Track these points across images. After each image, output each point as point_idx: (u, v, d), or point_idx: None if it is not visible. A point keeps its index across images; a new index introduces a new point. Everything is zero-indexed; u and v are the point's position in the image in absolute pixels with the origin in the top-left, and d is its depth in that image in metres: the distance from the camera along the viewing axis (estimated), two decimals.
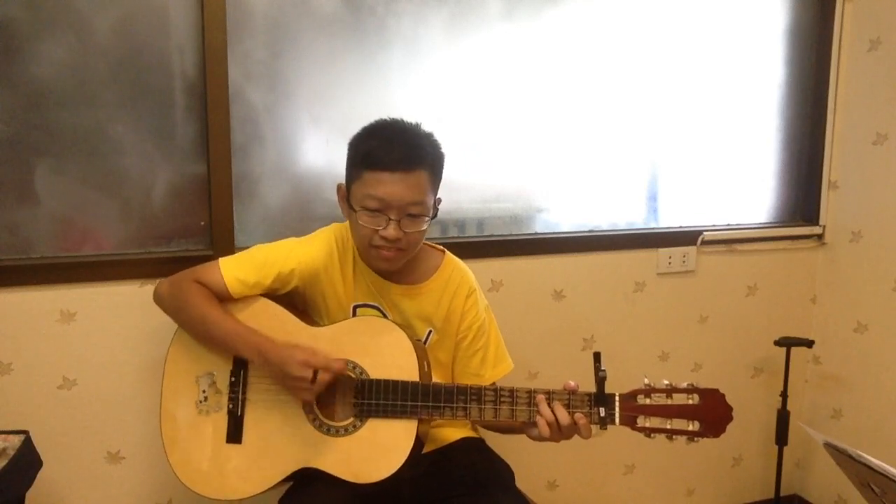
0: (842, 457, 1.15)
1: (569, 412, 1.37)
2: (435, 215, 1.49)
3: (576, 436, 1.39)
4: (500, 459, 1.63)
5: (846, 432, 2.44)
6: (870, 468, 1.08)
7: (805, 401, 2.58)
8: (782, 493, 2.42)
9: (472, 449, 1.63)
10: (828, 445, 1.17)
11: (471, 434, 1.67)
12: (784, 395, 2.30)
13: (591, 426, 1.38)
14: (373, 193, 1.40)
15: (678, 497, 2.50)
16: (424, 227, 1.47)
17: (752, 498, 2.59)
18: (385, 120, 1.49)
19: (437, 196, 1.50)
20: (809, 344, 2.30)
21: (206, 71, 1.77)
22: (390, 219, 1.41)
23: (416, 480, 1.48)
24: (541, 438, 1.39)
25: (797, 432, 2.41)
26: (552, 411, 1.37)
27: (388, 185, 1.40)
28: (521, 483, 1.62)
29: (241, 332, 1.45)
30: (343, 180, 1.51)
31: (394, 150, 1.40)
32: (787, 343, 2.30)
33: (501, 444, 1.68)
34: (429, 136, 1.48)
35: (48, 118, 1.71)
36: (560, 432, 1.37)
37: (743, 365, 2.49)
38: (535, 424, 1.39)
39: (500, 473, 1.59)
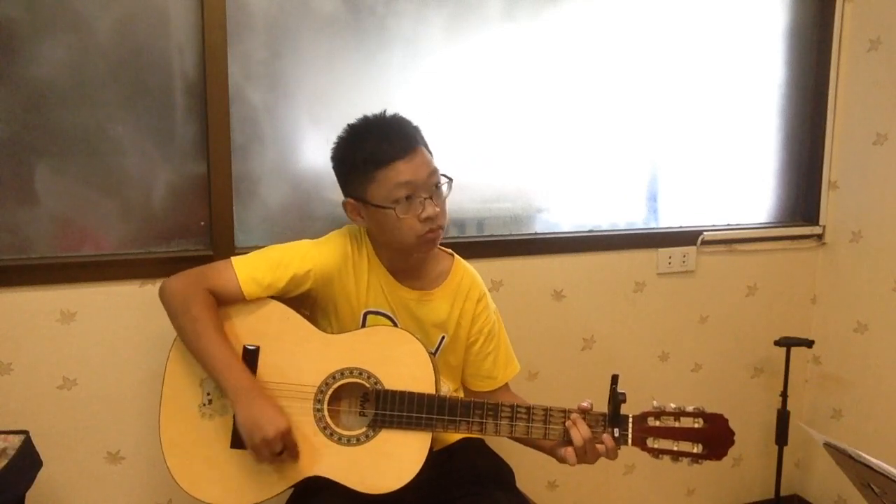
0: (842, 457, 1.15)
1: (592, 432, 1.37)
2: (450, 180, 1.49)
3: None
4: (500, 460, 1.64)
5: (846, 432, 2.43)
6: (870, 468, 1.08)
7: (805, 401, 2.58)
8: (782, 493, 2.42)
9: (473, 449, 1.63)
10: (828, 445, 1.17)
11: (472, 435, 1.67)
12: (784, 395, 2.30)
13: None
14: (399, 182, 1.41)
15: (678, 497, 2.50)
16: (448, 193, 1.48)
17: (752, 498, 2.58)
18: (356, 123, 1.49)
19: None
20: (809, 344, 2.30)
21: (206, 71, 1.77)
22: (425, 198, 1.42)
23: (418, 482, 1.48)
24: (563, 459, 1.39)
25: (797, 432, 2.41)
26: (579, 431, 1.36)
27: (408, 170, 1.41)
28: (521, 483, 1.62)
29: (231, 366, 1.39)
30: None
31: (392, 141, 1.42)
32: (787, 343, 2.30)
33: (502, 445, 1.67)
34: (404, 118, 1.50)
35: (48, 118, 1.71)
36: (585, 456, 1.37)
37: (743, 365, 2.48)
38: (566, 444, 1.38)
39: (500, 473, 1.60)
